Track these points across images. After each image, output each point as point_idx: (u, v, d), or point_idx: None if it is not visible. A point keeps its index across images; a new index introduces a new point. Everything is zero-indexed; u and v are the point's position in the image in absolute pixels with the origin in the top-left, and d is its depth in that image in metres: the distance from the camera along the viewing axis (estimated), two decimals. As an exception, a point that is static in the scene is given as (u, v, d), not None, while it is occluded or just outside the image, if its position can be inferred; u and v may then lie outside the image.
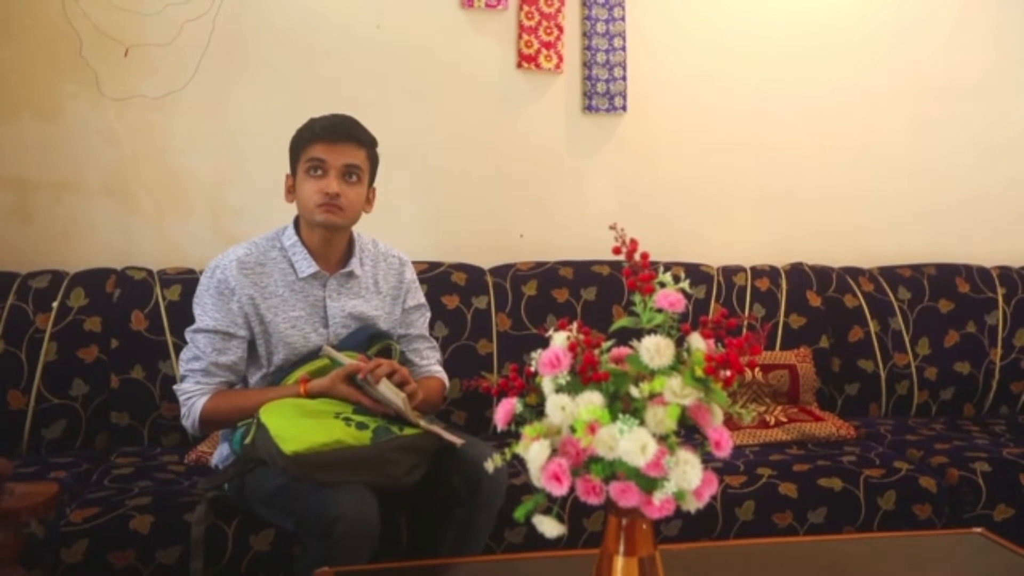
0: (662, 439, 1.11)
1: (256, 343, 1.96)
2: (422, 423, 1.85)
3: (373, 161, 2.02)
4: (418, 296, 2.16)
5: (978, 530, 1.78)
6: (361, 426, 1.78)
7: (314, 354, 1.96)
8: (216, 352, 1.91)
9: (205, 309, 1.93)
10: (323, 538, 1.68)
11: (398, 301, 2.10)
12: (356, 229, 2.10)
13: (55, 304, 2.33)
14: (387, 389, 1.82)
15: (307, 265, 1.96)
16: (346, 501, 1.70)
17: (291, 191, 2.00)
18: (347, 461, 1.73)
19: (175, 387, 1.96)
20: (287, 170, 2.02)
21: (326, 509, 1.69)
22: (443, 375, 2.15)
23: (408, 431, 1.82)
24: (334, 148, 1.92)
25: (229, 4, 2.57)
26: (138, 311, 2.36)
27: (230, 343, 1.92)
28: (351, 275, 2.02)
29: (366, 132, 1.99)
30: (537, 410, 1.18)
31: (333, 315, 1.98)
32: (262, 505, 1.86)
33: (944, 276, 2.92)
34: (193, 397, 1.90)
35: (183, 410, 1.92)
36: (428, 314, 2.18)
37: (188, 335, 1.95)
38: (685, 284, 1.20)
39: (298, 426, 1.74)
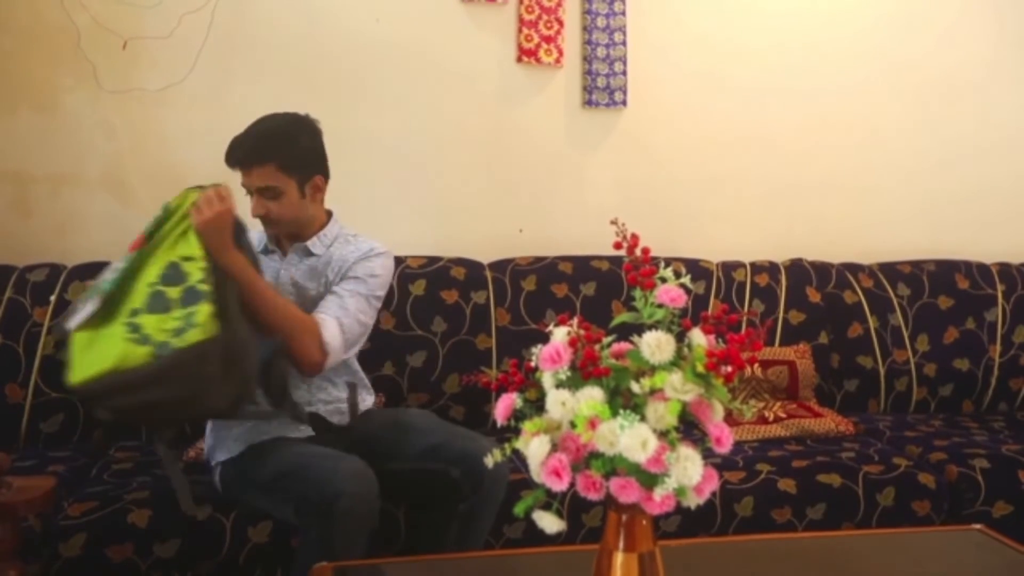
0: (663, 435, 1.11)
1: None
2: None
3: (292, 166, 1.94)
4: (361, 270, 2.00)
5: (977, 527, 1.78)
6: (142, 340, 1.63)
7: None
8: None
9: None
10: (324, 515, 1.71)
11: (339, 273, 2.01)
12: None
13: (53, 297, 2.32)
14: None
15: (259, 241, 2.06)
16: (347, 478, 1.74)
17: None
18: (134, 384, 1.62)
19: None
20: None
21: (327, 486, 1.72)
22: (324, 322, 1.92)
23: (194, 336, 1.64)
24: (245, 173, 1.95)
25: (228, -3, 2.57)
26: (136, 305, 2.35)
27: None
28: (308, 252, 2.05)
29: (264, 148, 1.92)
30: (537, 405, 1.18)
31: (283, 283, 2.03)
32: (262, 492, 1.87)
33: (944, 272, 2.92)
34: None
35: None
36: (360, 289, 1.98)
37: None
38: (686, 279, 1.20)
39: (89, 349, 1.65)
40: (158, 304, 1.70)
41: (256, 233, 2.05)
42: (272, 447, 1.91)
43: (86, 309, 1.73)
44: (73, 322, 1.72)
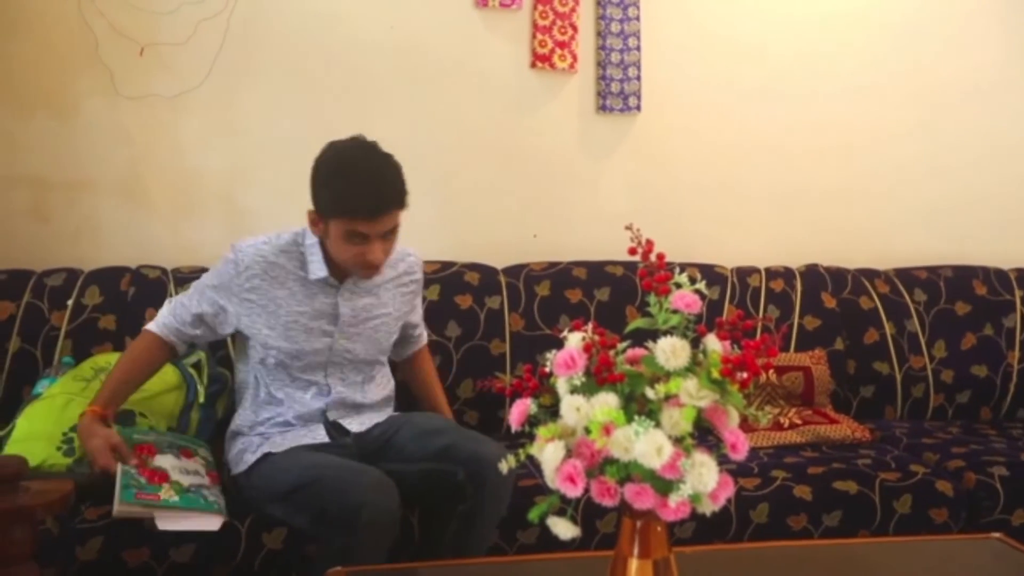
0: (678, 441, 1.10)
1: (246, 333, 2.00)
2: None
3: (406, 202, 1.92)
4: (420, 298, 2.23)
5: (996, 535, 1.76)
6: (68, 452, 1.89)
7: (314, 351, 1.98)
8: (188, 312, 2.00)
9: (208, 283, 2.01)
10: (347, 527, 1.71)
11: (407, 296, 2.13)
12: None
13: (70, 302, 2.34)
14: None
15: (319, 268, 1.95)
16: (369, 488, 1.75)
17: (317, 226, 1.91)
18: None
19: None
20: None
21: (349, 498, 1.73)
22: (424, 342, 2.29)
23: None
24: (378, 221, 1.84)
25: (244, 4, 2.58)
26: (152, 309, 2.34)
27: (200, 323, 2.01)
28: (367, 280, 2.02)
29: (404, 189, 1.87)
30: (551, 411, 1.18)
31: (344, 314, 1.99)
32: (276, 502, 1.88)
33: (961, 278, 2.90)
34: (149, 324, 2.04)
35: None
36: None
37: (194, 284, 2.06)
38: (701, 285, 1.19)
39: (26, 441, 1.90)
40: None
41: (317, 263, 1.95)
42: (287, 458, 1.91)
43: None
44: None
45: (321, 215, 1.89)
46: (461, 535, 1.87)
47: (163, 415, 2.07)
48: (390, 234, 1.89)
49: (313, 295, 1.97)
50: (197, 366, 2.20)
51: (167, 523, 1.76)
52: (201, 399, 2.14)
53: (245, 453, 1.98)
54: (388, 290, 2.07)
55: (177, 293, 2.39)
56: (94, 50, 2.51)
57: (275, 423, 2.00)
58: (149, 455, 1.87)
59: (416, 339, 2.25)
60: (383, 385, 2.13)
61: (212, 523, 1.81)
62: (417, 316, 2.22)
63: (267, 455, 1.94)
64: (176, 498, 1.80)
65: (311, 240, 1.97)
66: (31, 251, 2.49)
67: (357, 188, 1.83)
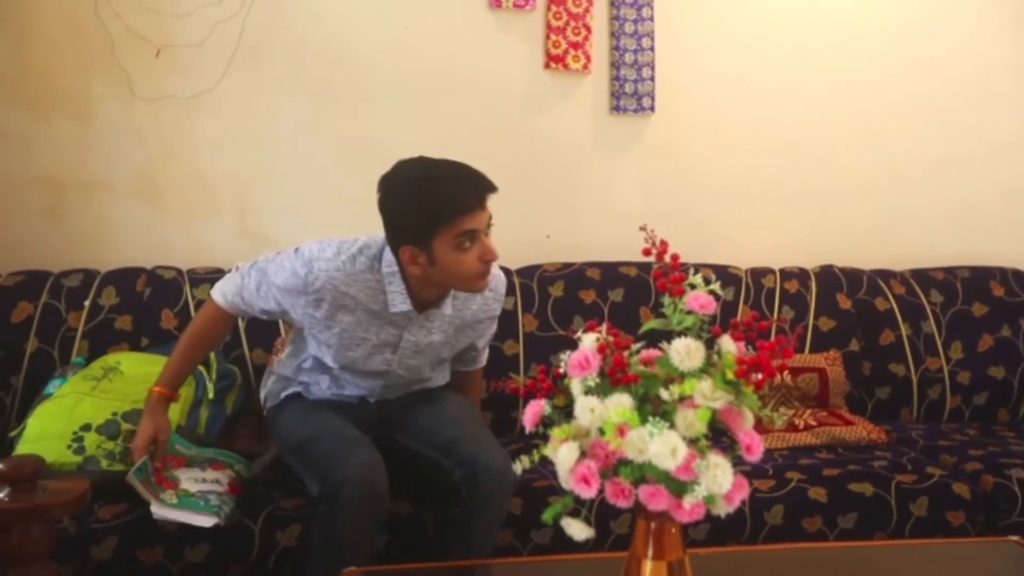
0: (692, 442, 1.10)
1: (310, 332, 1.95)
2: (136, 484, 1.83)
3: None
4: (494, 326, 2.11)
5: (1014, 538, 1.75)
6: (79, 451, 1.92)
7: (367, 371, 1.95)
8: (256, 304, 1.93)
9: (276, 283, 1.88)
10: (330, 500, 1.75)
11: (466, 327, 2.01)
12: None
13: (87, 303, 2.35)
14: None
15: (401, 301, 1.85)
16: (356, 466, 1.77)
17: (418, 261, 1.78)
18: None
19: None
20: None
21: (336, 471, 1.76)
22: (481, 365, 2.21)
23: (120, 466, 1.90)
24: (484, 209, 1.78)
25: (259, 6, 2.58)
26: (168, 310, 2.38)
27: (266, 314, 1.97)
28: (439, 313, 1.93)
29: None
30: (565, 412, 1.18)
31: (405, 346, 1.93)
32: (290, 450, 1.95)
33: (978, 279, 2.87)
34: (216, 294, 1.98)
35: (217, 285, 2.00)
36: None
37: (261, 263, 1.92)
38: (716, 286, 1.19)
39: (39, 440, 1.92)
40: (110, 428, 1.97)
41: (400, 296, 1.85)
42: (307, 409, 1.98)
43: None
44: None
45: (420, 242, 1.76)
46: (456, 542, 1.83)
47: (172, 411, 2.07)
48: (489, 227, 1.81)
49: (380, 327, 1.89)
50: (206, 362, 2.20)
51: (160, 512, 1.81)
52: (211, 395, 2.15)
53: (282, 391, 2.04)
54: (460, 329, 1.99)
55: (192, 293, 2.40)
56: (110, 51, 2.53)
57: (311, 386, 2.03)
58: (175, 466, 1.93)
59: (470, 360, 2.14)
60: (435, 384, 2.10)
61: (204, 520, 1.82)
62: (483, 341, 2.12)
63: (297, 395, 2.01)
64: (174, 501, 1.84)
65: (389, 268, 1.84)
66: (47, 252, 2.51)
67: (451, 184, 1.75)
